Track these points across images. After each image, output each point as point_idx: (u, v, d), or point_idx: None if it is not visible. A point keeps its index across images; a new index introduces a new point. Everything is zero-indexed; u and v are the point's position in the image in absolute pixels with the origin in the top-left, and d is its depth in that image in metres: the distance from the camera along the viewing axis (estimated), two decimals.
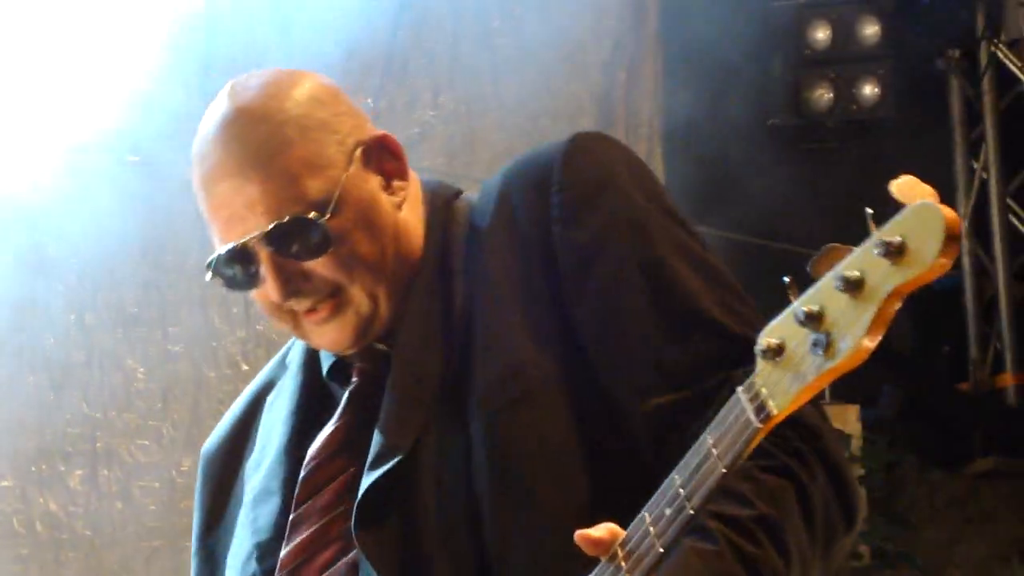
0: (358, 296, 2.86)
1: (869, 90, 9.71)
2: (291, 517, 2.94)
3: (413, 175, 3.01)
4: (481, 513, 2.69)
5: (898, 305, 2.09)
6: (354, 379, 2.99)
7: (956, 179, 10.18)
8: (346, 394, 2.99)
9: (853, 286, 2.08)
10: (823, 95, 9.75)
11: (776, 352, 2.17)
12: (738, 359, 2.50)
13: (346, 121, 2.94)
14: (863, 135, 9.73)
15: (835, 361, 2.11)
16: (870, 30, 9.75)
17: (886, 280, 2.06)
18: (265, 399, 3.17)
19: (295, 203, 2.81)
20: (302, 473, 2.96)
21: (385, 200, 2.91)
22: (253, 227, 2.81)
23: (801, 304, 2.14)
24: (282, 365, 3.21)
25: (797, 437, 2.59)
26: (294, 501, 2.96)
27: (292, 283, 2.83)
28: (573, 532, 2.41)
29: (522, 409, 2.72)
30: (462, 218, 2.96)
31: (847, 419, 8.51)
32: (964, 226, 10.01)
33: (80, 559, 7.32)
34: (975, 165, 10.20)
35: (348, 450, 2.92)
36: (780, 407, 2.18)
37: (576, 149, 2.85)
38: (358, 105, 3.03)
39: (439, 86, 8.32)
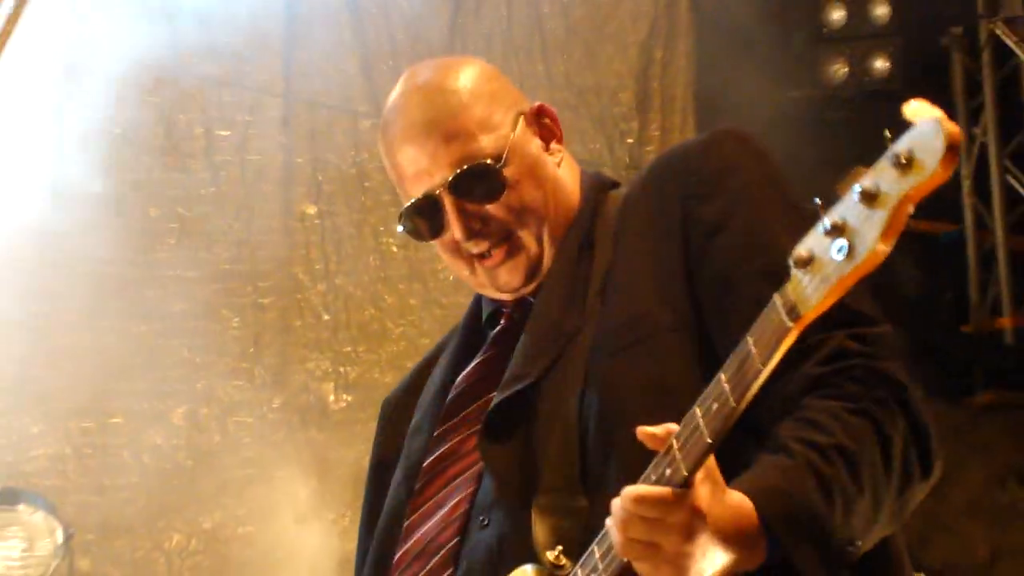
0: (527, 239, 3.02)
1: (880, 64, 9.76)
2: (434, 434, 3.08)
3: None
4: (587, 439, 2.75)
5: (911, 210, 2.09)
6: (501, 322, 3.12)
7: None
8: (491, 334, 3.13)
9: (870, 197, 2.10)
10: (839, 69, 9.80)
11: (807, 262, 2.19)
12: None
13: (509, 92, 3.14)
14: (875, 105, 9.70)
15: (855, 262, 2.12)
16: (881, 11, 9.79)
17: (896, 188, 2.08)
18: (437, 359, 3.27)
19: (474, 156, 2.99)
20: (448, 399, 3.11)
21: (546, 158, 3.08)
22: (439, 179, 2.99)
23: (827, 217, 2.16)
24: (453, 331, 3.31)
25: (884, 389, 2.59)
26: (439, 422, 3.09)
27: (472, 225, 2.99)
28: None
29: (639, 350, 2.78)
30: (615, 198, 3.06)
31: None
32: (967, 185, 10.05)
33: (182, 487, 7.35)
34: (975, 131, 10.20)
35: (487, 380, 3.02)
36: (808, 307, 2.20)
37: (712, 142, 2.95)
38: None
39: (494, 65, 8.30)
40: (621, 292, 2.82)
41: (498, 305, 3.14)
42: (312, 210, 7.95)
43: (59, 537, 6.51)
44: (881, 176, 2.10)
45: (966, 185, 10.15)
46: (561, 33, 8.61)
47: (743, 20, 8.86)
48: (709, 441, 2.32)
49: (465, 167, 2.98)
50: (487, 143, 3.01)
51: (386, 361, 7.88)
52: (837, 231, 2.13)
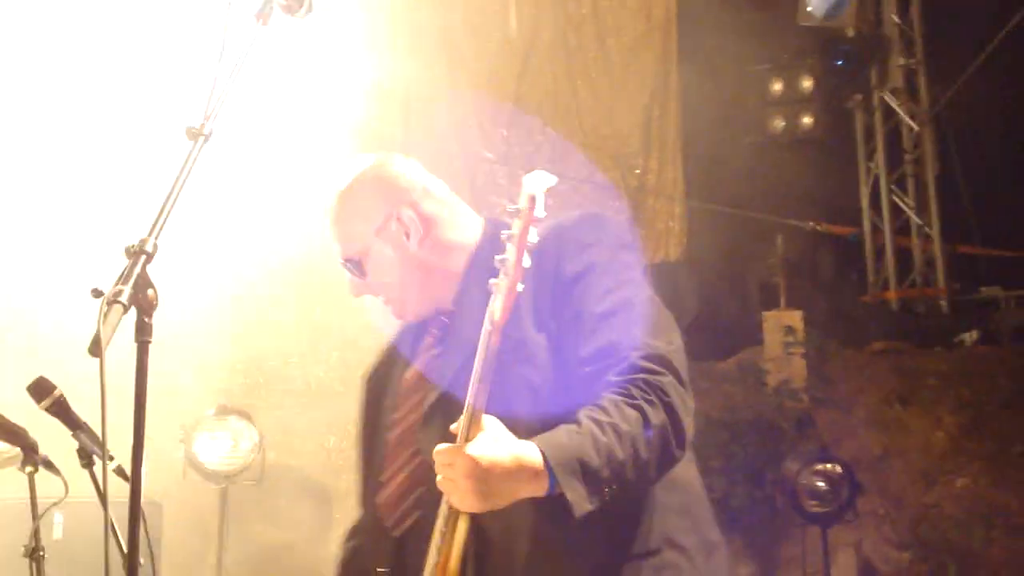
0: (392, 298, 3.02)
1: (807, 120, 9.79)
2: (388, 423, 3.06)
3: (459, 212, 3.12)
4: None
5: (530, 238, 2.46)
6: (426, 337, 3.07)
7: (859, 174, 10.33)
8: (419, 346, 3.07)
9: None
10: (779, 123, 9.83)
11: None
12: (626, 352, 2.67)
13: (375, 205, 3.01)
14: (804, 147, 9.75)
15: (508, 278, 2.46)
16: (807, 83, 9.81)
17: (516, 226, 2.46)
18: (402, 339, 3.20)
19: (345, 254, 3.02)
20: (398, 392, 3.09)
21: (406, 247, 2.99)
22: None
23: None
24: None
25: (654, 393, 2.64)
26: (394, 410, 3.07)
27: (361, 289, 3.03)
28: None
29: (524, 364, 2.77)
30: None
31: (794, 319, 8.46)
32: (866, 202, 10.13)
33: (336, 405, 7.24)
34: (871, 165, 10.31)
35: (423, 383, 2.98)
36: (498, 313, 2.47)
37: (582, 220, 2.90)
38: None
39: (544, 121, 8.30)
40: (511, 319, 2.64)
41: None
42: None
43: (255, 438, 6.54)
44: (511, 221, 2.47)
45: (865, 202, 10.31)
46: (590, 98, 8.60)
47: (714, 91, 8.88)
48: (470, 404, 2.50)
49: (342, 260, 3.02)
50: (349, 249, 3.00)
51: None
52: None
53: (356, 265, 3.00)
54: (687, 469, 2.84)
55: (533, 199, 2.48)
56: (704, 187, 9.11)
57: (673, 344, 2.77)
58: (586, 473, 2.52)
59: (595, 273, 2.81)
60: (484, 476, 2.49)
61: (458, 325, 2.94)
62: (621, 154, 8.66)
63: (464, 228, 3.07)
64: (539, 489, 2.51)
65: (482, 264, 2.88)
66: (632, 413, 2.59)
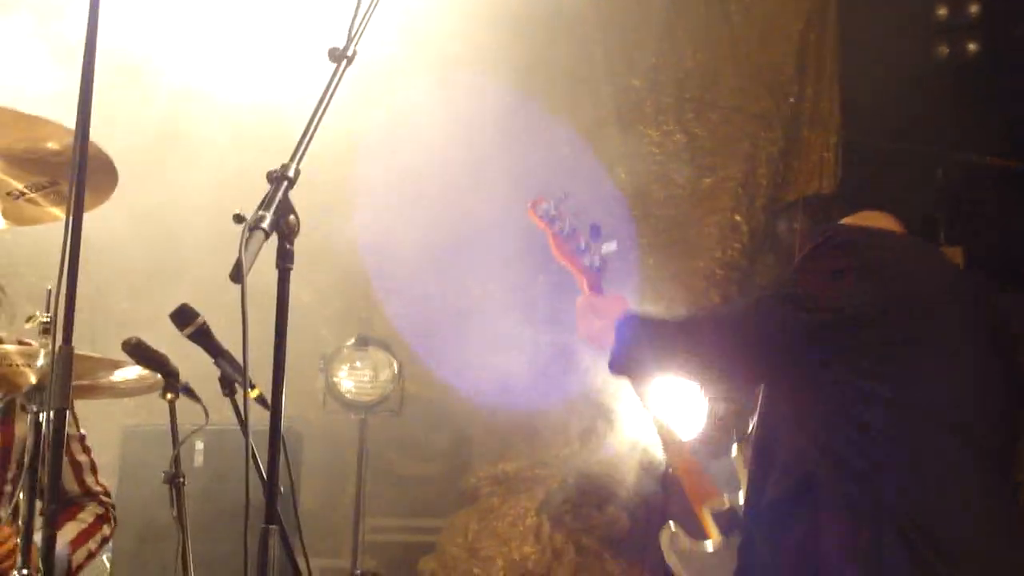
0: None
1: (973, 47, 9.43)
2: None
3: None
4: None
5: None
6: None
7: None
8: None
9: None
10: (943, 50, 9.49)
11: None
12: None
13: None
14: (969, 77, 9.40)
15: None
16: (974, 8, 9.42)
17: None
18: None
19: None
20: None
21: None
22: None
23: None
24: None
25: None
26: None
27: None
28: None
29: None
30: None
31: (956, 255, 8.24)
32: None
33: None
34: None
35: None
36: None
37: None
38: None
39: (695, 48, 8.15)
40: None
41: None
42: None
43: (395, 369, 6.59)
44: None
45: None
46: (744, 24, 8.42)
47: (875, 14, 8.60)
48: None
49: None
50: None
51: None
52: None
53: None
54: None
55: None
56: (861, 117, 8.88)
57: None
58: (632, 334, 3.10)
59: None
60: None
61: None
62: (775, 82, 8.47)
63: None
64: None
65: None
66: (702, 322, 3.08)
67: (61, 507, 3.86)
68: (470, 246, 6.83)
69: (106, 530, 3.97)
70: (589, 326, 3.27)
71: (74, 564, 3.81)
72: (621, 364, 3.15)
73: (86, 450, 4.06)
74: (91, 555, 3.92)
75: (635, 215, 7.49)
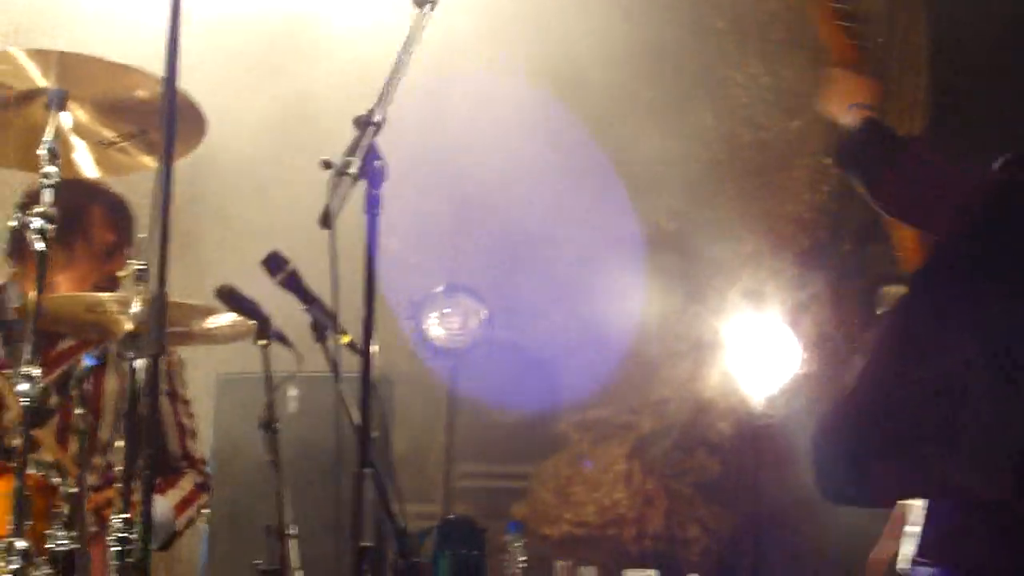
0: None
1: None
2: None
3: None
4: None
5: None
6: None
7: None
8: None
9: None
10: None
11: None
12: None
13: None
14: None
15: None
16: None
17: None
18: None
19: None
20: None
21: None
22: None
23: None
24: None
25: None
26: None
27: None
28: None
29: None
30: None
31: None
32: None
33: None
34: None
35: None
36: None
37: None
38: None
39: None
40: None
41: None
42: None
43: (483, 315, 6.60)
44: None
45: None
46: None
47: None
48: None
49: None
50: None
51: None
52: None
53: None
54: None
55: None
56: (953, 58, 8.66)
57: None
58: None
59: None
60: None
61: None
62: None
63: None
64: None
65: None
66: None
67: (164, 470, 3.92)
68: (558, 192, 6.79)
69: (204, 498, 4.04)
70: (835, 100, 3.12)
71: (177, 528, 3.88)
72: (845, 160, 3.06)
73: (191, 416, 4.12)
74: (191, 521, 3.99)
75: (721, 159, 7.38)
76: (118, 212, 3.87)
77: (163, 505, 3.82)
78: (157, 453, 3.83)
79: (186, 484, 3.98)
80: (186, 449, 4.06)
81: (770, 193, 7.45)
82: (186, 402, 4.10)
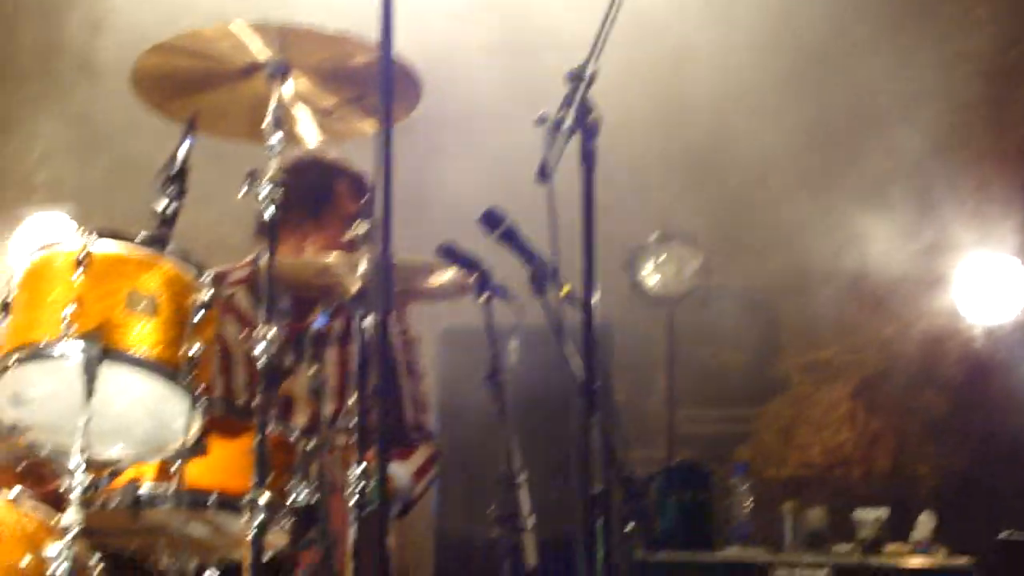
0: None
1: None
2: None
3: None
4: None
5: None
6: None
7: None
8: None
9: None
10: None
11: None
12: None
13: None
14: None
15: None
16: None
17: None
18: None
19: None
20: None
21: None
22: None
23: None
24: None
25: None
26: None
27: None
28: None
29: None
30: None
31: None
32: None
33: None
34: None
35: None
36: None
37: None
38: None
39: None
40: None
41: None
42: None
43: (699, 263, 6.57)
44: None
45: None
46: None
47: None
48: None
49: None
50: None
51: None
52: None
53: None
54: None
55: None
56: None
57: None
58: None
59: None
60: None
61: None
62: None
63: None
64: None
65: None
66: None
67: (399, 440, 4.03)
68: (773, 133, 6.68)
69: (435, 470, 4.14)
70: None
71: (414, 496, 4.00)
72: None
73: (425, 391, 4.23)
74: (423, 492, 4.10)
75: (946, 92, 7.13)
76: (360, 185, 4.03)
77: (402, 471, 3.94)
78: (392, 414, 3.95)
79: (421, 454, 4.09)
80: (420, 422, 4.17)
81: (997, 124, 7.19)
82: (421, 376, 4.21)
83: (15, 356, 2.68)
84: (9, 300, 2.76)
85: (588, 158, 2.45)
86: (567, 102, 2.44)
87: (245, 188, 2.96)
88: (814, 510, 5.76)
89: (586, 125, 2.42)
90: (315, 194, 3.99)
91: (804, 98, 6.71)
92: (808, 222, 6.61)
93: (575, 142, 2.47)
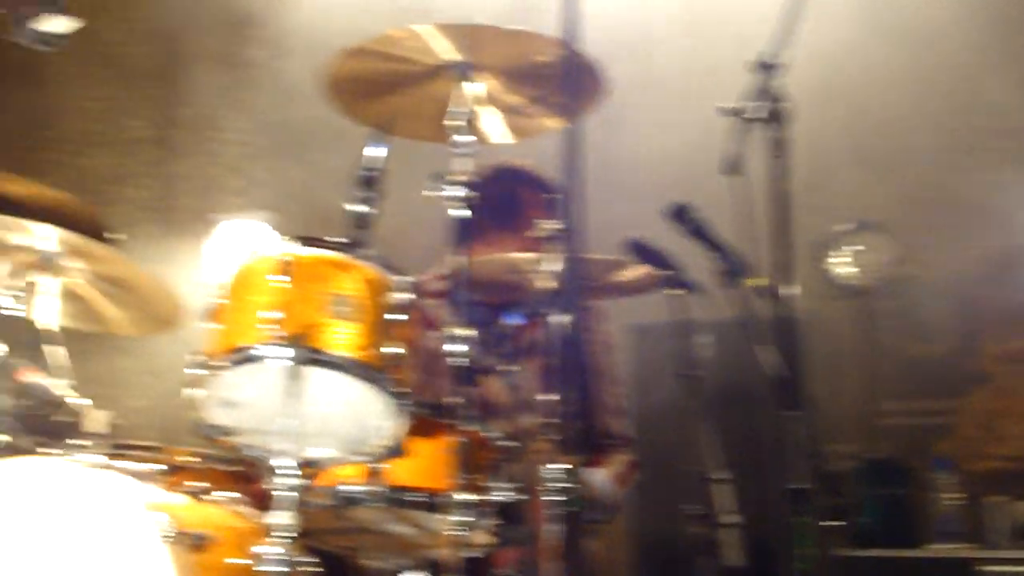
0: None
1: None
2: None
3: None
4: None
5: None
6: None
7: None
8: None
9: None
10: None
11: None
12: None
13: None
14: None
15: None
16: None
17: None
18: None
19: None
20: None
21: None
22: None
23: None
24: None
25: None
26: None
27: None
28: None
29: None
30: None
31: None
32: None
33: None
34: None
35: None
36: None
37: None
38: None
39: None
40: None
41: None
42: None
43: (894, 252, 6.47)
44: None
45: None
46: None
47: None
48: None
49: None
50: None
51: None
52: None
53: None
54: None
55: None
56: None
57: None
58: None
59: None
60: None
61: None
62: None
63: None
64: None
65: None
66: None
67: (593, 446, 4.04)
68: (965, 118, 6.50)
69: (633, 477, 4.13)
70: None
71: (616, 502, 4.00)
72: None
73: (618, 395, 4.22)
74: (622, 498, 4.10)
75: None
76: (544, 190, 4.07)
77: (602, 476, 3.94)
78: (585, 418, 3.96)
79: (620, 460, 4.09)
80: (615, 428, 4.16)
81: None
82: (614, 381, 4.20)
83: (226, 360, 2.77)
84: (216, 306, 2.85)
85: (779, 148, 2.42)
86: (755, 93, 2.41)
87: (430, 190, 3.00)
88: (1022, 504, 5.60)
89: (777, 115, 2.39)
90: (502, 203, 4.07)
91: (996, 82, 6.51)
92: (1004, 207, 6.42)
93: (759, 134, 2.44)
